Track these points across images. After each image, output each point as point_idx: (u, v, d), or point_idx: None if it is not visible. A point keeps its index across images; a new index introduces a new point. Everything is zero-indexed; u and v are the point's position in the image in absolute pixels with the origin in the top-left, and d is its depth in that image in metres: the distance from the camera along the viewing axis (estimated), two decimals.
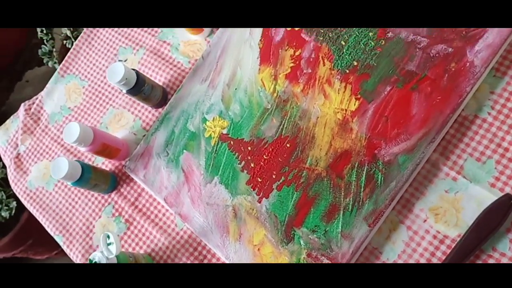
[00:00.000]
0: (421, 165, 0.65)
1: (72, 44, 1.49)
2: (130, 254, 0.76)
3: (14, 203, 1.57)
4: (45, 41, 1.57)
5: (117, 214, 0.85)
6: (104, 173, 0.85)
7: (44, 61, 1.59)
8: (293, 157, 0.72)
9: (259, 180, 0.73)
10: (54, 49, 1.56)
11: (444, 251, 0.62)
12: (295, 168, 0.71)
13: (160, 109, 0.88)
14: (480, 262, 0.60)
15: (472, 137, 0.65)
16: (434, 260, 0.63)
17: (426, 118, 0.65)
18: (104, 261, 0.70)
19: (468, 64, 0.64)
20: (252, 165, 0.74)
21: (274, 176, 0.72)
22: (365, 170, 0.67)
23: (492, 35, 0.64)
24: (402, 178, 0.65)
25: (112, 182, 0.86)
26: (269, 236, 0.70)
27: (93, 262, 0.71)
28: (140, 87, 0.81)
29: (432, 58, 0.67)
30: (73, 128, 0.78)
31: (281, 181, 0.72)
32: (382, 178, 0.66)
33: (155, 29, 0.93)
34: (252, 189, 0.73)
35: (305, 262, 0.67)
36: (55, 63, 1.57)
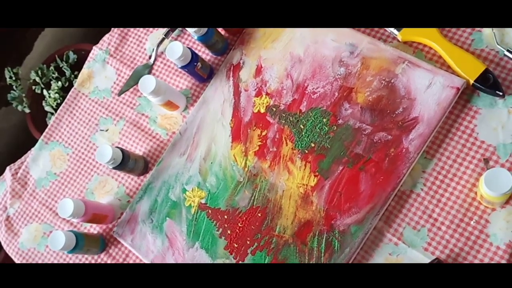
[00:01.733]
0: (369, 233, 0.80)
1: (41, 90, 1.57)
2: None
3: None
4: (14, 86, 1.63)
5: None
6: (95, 238, 0.96)
7: (14, 105, 1.65)
8: (264, 226, 0.85)
9: (235, 245, 0.86)
10: (24, 95, 1.63)
11: None
12: (266, 235, 0.84)
13: (142, 177, 0.99)
14: None
15: (409, 208, 0.80)
16: None
17: (372, 195, 0.80)
18: None
19: (404, 150, 0.79)
20: (229, 232, 0.87)
21: (248, 242, 0.85)
22: (324, 238, 0.81)
23: (423, 126, 0.79)
24: (354, 245, 0.79)
25: (101, 244, 0.96)
26: None
27: None
28: (125, 164, 0.91)
29: (375, 144, 0.81)
30: (67, 205, 0.88)
31: (254, 246, 0.85)
32: (339, 245, 0.80)
33: (133, 101, 1.04)
34: (229, 254, 0.86)
35: None
36: (24, 107, 1.64)
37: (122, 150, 0.92)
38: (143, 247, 0.92)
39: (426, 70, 0.81)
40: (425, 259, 0.76)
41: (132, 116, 1.04)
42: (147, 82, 0.89)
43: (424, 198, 0.80)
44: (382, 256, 0.79)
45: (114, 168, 0.91)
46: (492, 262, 0.73)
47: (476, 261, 0.74)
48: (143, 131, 1.01)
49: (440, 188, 0.79)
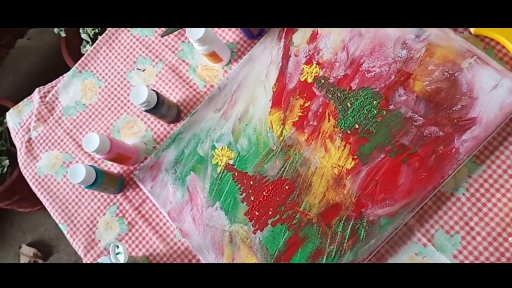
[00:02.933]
0: (399, 228, 0.76)
1: None
2: (132, 260, 0.85)
3: (7, 161, 1.63)
4: None
5: (121, 215, 0.94)
6: (114, 177, 0.93)
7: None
8: (289, 199, 0.82)
9: (257, 213, 0.83)
10: None
11: None
12: (290, 210, 0.81)
13: (172, 125, 0.95)
14: None
15: (445, 211, 0.76)
16: None
17: (410, 190, 0.75)
18: None
19: (454, 150, 0.74)
20: (252, 198, 0.84)
21: (270, 213, 0.82)
22: (351, 224, 0.77)
23: (479, 129, 0.74)
24: (381, 237, 0.75)
25: (120, 185, 0.94)
26: None
27: None
28: (158, 109, 0.88)
29: (424, 138, 0.76)
30: (93, 139, 0.85)
31: (276, 218, 0.82)
32: (365, 234, 0.76)
33: (176, 45, 0.99)
34: (249, 220, 0.83)
35: None
36: (61, 30, 1.60)
37: (157, 93, 0.88)
38: (162, 196, 0.89)
39: (495, 69, 0.75)
40: None
41: (172, 60, 0.99)
42: (196, 29, 0.84)
43: (464, 203, 0.75)
44: (407, 254, 0.76)
45: (146, 111, 0.88)
46: None
47: None
48: (180, 78, 0.97)
49: (484, 197, 0.74)
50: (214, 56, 0.90)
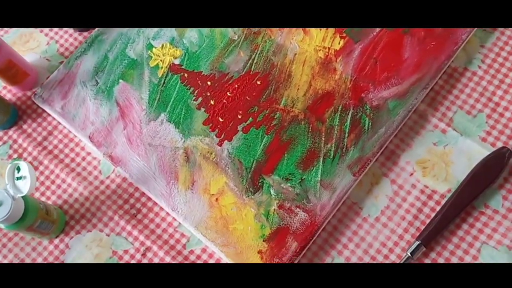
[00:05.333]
0: (412, 111, 0.59)
1: None
2: (40, 202, 0.57)
3: None
4: None
5: (16, 155, 0.66)
6: (4, 103, 0.65)
7: None
8: (264, 96, 0.61)
9: (221, 120, 0.61)
10: None
11: (432, 207, 0.57)
12: (267, 109, 0.61)
13: (85, 33, 0.71)
14: (471, 219, 0.56)
15: (461, 89, 0.61)
16: (422, 217, 0.56)
17: (420, 63, 0.60)
18: (8, 201, 0.51)
19: None
20: (212, 102, 0.62)
21: (240, 117, 0.61)
22: (350, 114, 0.59)
23: None
24: (392, 124, 0.58)
25: (12, 115, 0.66)
26: (231, 185, 0.58)
27: None
28: None
29: None
30: None
31: (248, 122, 0.61)
32: (370, 123, 0.58)
33: None
34: (210, 130, 0.61)
35: (276, 215, 0.56)
36: None
37: None
38: (79, 116, 0.64)
39: None
40: (483, 150, 0.57)
41: None
42: None
43: (483, 77, 0.61)
44: (424, 146, 0.59)
45: None
46: None
47: None
48: None
49: (504, 67, 0.61)
50: None
